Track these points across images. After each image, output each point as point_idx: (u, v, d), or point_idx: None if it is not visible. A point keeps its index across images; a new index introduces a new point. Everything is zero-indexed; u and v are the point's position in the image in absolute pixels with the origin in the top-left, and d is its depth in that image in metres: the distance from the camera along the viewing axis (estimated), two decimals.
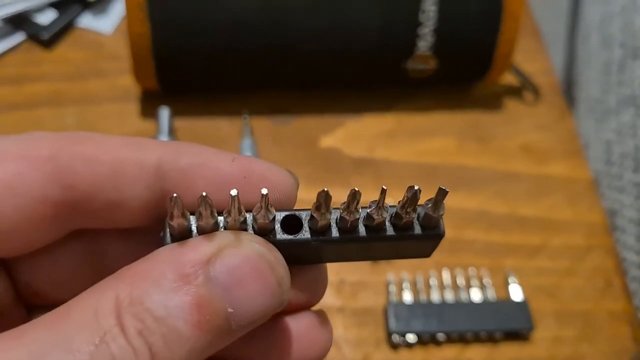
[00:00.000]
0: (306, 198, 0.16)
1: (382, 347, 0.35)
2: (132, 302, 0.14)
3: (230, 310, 0.14)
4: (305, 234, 0.16)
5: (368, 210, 0.16)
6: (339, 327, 0.35)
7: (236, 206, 0.15)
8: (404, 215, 0.16)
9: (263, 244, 0.15)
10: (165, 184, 0.16)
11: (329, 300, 0.36)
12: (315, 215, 0.16)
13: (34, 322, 0.13)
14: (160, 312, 0.14)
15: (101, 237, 0.18)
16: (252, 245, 0.15)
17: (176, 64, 0.40)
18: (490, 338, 0.35)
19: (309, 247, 0.16)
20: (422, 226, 0.17)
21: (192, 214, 0.16)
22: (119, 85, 0.43)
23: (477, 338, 0.35)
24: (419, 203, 0.16)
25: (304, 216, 0.16)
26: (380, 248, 0.17)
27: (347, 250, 0.17)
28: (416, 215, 0.17)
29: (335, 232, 0.16)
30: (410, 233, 0.16)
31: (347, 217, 0.16)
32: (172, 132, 0.40)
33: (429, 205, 0.16)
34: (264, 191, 0.15)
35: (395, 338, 0.34)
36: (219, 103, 0.43)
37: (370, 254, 0.18)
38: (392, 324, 0.34)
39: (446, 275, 0.37)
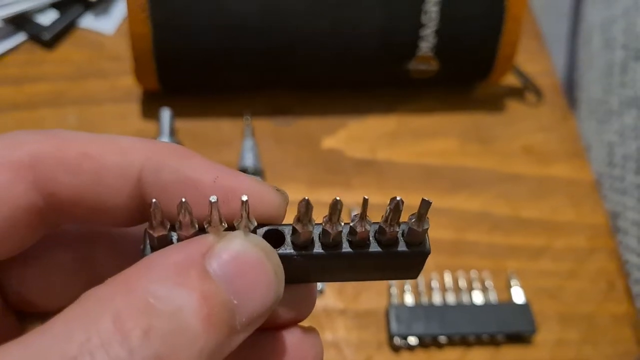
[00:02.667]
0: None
1: (383, 350, 0.35)
2: (133, 301, 0.12)
3: (235, 302, 0.14)
4: (288, 248, 0.16)
5: (351, 224, 0.15)
6: (341, 330, 0.35)
7: (216, 213, 0.14)
8: (387, 229, 0.15)
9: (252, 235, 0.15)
10: (146, 194, 0.16)
11: (330, 302, 0.36)
12: (296, 227, 0.15)
13: (16, 340, 0.12)
14: (168, 307, 0.12)
15: (91, 247, 0.18)
16: (242, 236, 0.15)
17: (177, 64, 0.39)
18: (492, 341, 0.35)
19: (293, 263, 0.16)
20: (407, 243, 0.16)
21: (173, 227, 0.15)
22: (120, 85, 0.43)
23: (479, 341, 0.35)
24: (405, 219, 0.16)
25: (287, 231, 0.16)
26: (366, 266, 0.17)
27: (332, 268, 0.17)
28: (401, 231, 0.16)
29: (318, 248, 0.16)
30: (395, 250, 0.16)
31: (330, 230, 0.15)
32: (173, 133, 0.40)
33: (413, 220, 0.15)
34: (244, 198, 0.14)
35: (397, 340, 0.34)
36: (221, 104, 0.43)
37: (356, 273, 0.18)
38: (394, 326, 0.34)
39: (448, 278, 0.37)
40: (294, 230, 0.15)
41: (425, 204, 0.15)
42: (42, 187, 0.15)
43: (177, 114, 0.41)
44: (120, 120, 0.42)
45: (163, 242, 0.15)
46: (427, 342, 0.34)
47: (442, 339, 0.34)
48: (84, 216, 0.16)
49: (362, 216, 0.15)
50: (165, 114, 0.40)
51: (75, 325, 0.12)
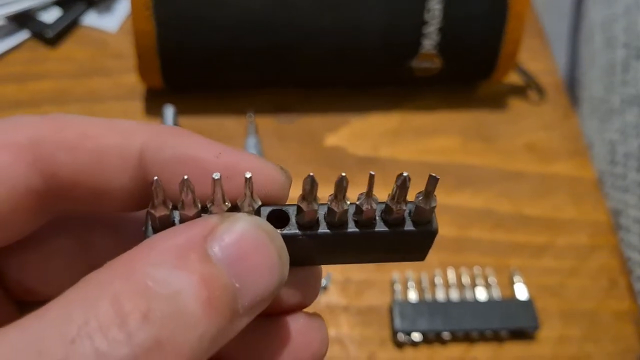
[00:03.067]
0: None
1: (387, 346, 0.35)
2: (132, 284, 0.12)
3: (237, 285, 0.13)
4: (292, 228, 0.15)
5: (357, 202, 0.15)
6: (344, 326, 0.35)
7: (219, 191, 0.14)
8: (394, 208, 0.15)
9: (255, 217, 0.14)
10: (148, 175, 0.15)
11: (334, 299, 0.36)
12: (301, 206, 0.15)
13: (14, 323, 0.12)
14: (167, 290, 0.12)
15: (91, 233, 0.18)
16: (245, 217, 0.14)
17: (181, 62, 0.40)
18: (495, 337, 0.35)
19: (298, 244, 0.15)
20: (414, 222, 0.15)
21: (175, 207, 0.15)
22: (124, 83, 0.43)
23: (482, 337, 0.35)
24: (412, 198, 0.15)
25: (291, 211, 0.15)
26: (372, 247, 0.16)
27: (338, 249, 0.16)
28: (408, 211, 0.15)
29: (324, 228, 0.15)
30: (402, 229, 0.15)
31: (335, 209, 0.15)
32: None
33: (420, 198, 0.15)
34: (248, 174, 0.14)
35: (401, 337, 0.34)
36: (224, 101, 0.43)
37: (362, 254, 0.17)
38: (398, 322, 0.34)
39: (451, 274, 0.37)
40: (299, 210, 0.15)
41: (433, 181, 0.15)
42: (42, 168, 0.15)
43: (180, 111, 0.41)
44: (124, 117, 0.42)
45: (165, 223, 0.14)
46: (431, 338, 0.35)
47: (446, 335, 0.34)
48: (84, 199, 0.16)
49: (369, 194, 0.15)
50: (169, 111, 0.40)
51: (73, 309, 0.12)
